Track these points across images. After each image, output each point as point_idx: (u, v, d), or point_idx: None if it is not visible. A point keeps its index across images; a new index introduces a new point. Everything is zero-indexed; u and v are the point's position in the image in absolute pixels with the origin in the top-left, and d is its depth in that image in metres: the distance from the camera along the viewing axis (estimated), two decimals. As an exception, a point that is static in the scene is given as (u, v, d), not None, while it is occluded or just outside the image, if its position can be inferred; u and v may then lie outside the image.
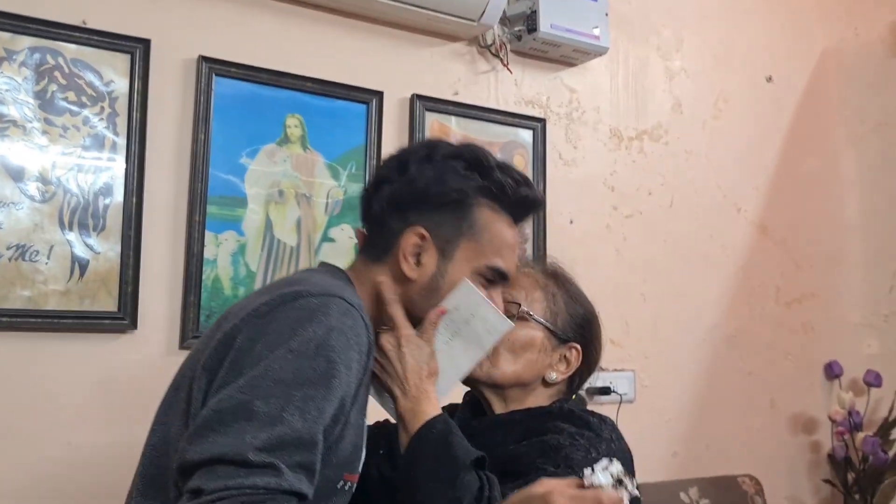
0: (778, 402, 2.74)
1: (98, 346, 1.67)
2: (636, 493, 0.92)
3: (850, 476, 2.65)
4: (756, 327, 2.70)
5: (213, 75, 1.81)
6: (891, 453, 2.59)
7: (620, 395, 2.29)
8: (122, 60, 1.72)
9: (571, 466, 1.03)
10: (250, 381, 0.86)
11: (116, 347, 1.69)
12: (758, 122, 2.78)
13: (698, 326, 2.58)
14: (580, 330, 1.25)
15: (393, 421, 1.11)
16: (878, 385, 2.70)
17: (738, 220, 2.70)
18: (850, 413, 2.65)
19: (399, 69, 2.09)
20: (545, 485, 0.90)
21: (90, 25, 1.69)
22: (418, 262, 1.07)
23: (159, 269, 1.74)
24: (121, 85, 1.72)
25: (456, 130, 2.13)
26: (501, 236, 1.11)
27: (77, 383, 1.65)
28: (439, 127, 2.12)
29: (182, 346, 1.74)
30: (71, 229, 1.65)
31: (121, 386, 1.68)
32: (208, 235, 1.79)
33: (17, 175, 1.61)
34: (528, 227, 2.24)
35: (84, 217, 1.66)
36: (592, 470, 0.92)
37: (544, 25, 2.15)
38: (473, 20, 2.06)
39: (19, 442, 1.59)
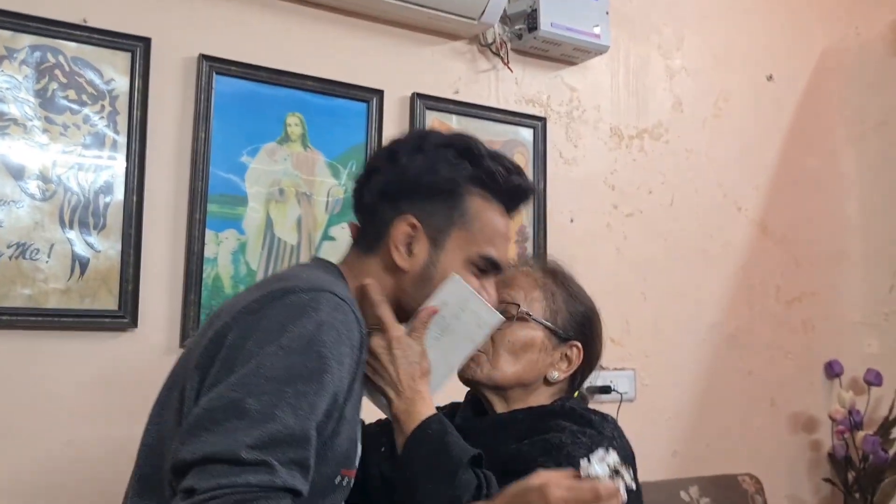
0: (778, 401, 2.74)
1: (98, 345, 1.67)
2: (633, 485, 0.92)
3: (851, 475, 2.65)
4: (756, 326, 2.70)
5: (214, 74, 1.81)
6: (891, 452, 2.59)
7: (621, 393, 2.29)
8: (123, 59, 1.72)
9: (573, 465, 1.03)
10: (241, 378, 0.86)
11: (117, 346, 1.69)
12: (758, 121, 2.78)
13: (699, 325, 2.58)
14: (581, 328, 1.25)
15: None
16: (879, 384, 2.69)
17: (738, 218, 2.70)
18: (850, 412, 2.65)
19: (399, 68, 2.09)
20: (541, 477, 0.90)
21: (91, 24, 1.69)
22: (410, 252, 1.06)
23: (160, 268, 1.74)
24: (121, 83, 1.71)
25: (457, 129, 2.13)
26: (493, 225, 1.10)
27: (77, 382, 1.65)
28: (440, 126, 2.11)
29: (182, 345, 1.74)
30: (71, 228, 1.65)
31: (121, 384, 1.68)
32: (209, 234, 1.79)
33: (17, 173, 1.61)
34: (528, 225, 2.24)
35: (84, 215, 1.66)
36: (589, 461, 0.91)
37: (545, 24, 2.15)
38: (474, 19, 2.06)
39: (19, 440, 1.59)
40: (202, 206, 1.78)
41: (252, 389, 0.84)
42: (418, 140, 1.12)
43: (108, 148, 1.70)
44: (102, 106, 1.70)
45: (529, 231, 2.25)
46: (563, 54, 2.30)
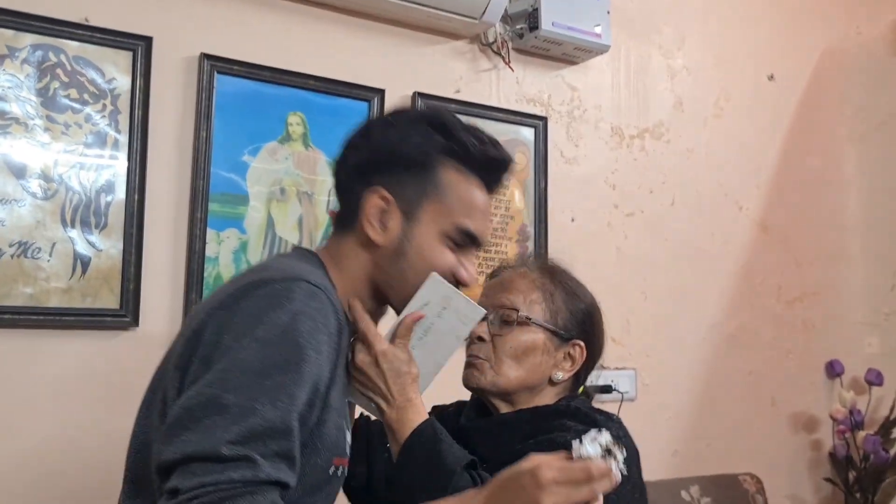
0: (779, 401, 2.74)
1: (100, 344, 1.68)
2: (624, 469, 0.91)
3: (852, 475, 2.65)
4: (757, 326, 2.70)
5: (215, 73, 1.81)
6: (892, 452, 2.59)
7: (622, 393, 2.29)
8: (125, 58, 1.72)
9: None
10: (218, 374, 0.85)
11: (118, 345, 1.69)
12: (759, 121, 2.78)
13: (699, 325, 2.58)
14: (582, 325, 1.24)
15: None
16: (880, 384, 2.70)
17: (739, 218, 2.70)
18: (851, 412, 2.65)
19: (401, 67, 2.09)
20: (533, 460, 0.89)
21: (92, 23, 1.70)
22: (384, 227, 1.05)
23: (161, 267, 1.74)
24: (123, 82, 1.72)
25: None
26: (469, 197, 1.07)
27: (79, 380, 1.65)
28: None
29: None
30: (73, 227, 1.65)
31: (122, 383, 1.67)
32: (210, 233, 1.79)
33: (19, 172, 1.61)
34: (529, 225, 2.24)
35: (86, 214, 1.66)
36: (581, 441, 0.90)
37: (546, 23, 2.15)
38: (475, 18, 2.06)
39: (21, 439, 1.59)
40: (203, 206, 1.78)
41: (230, 384, 0.83)
42: (391, 115, 1.12)
43: (110, 147, 1.70)
44: (104, 105, 1.70)
45: (530, 230, 2.25)
46: (565, 54, 2.30)
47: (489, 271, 1.35)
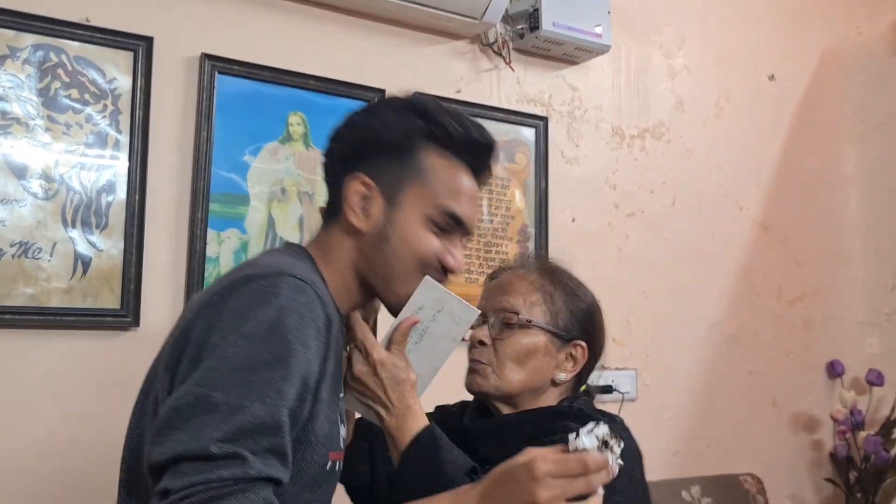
0: (780, 401, 2.74)
1: (100, 344, 1.68)
2: (621, 462, 0.90)
3: (852, 475, 2.65)
4: (758, 326, 2.70)
5: (216, 73, 1.81)
6: (893, 452, 2.59)
7: (622, 393, 2.29)
8: (125, 58, 1.72)
9: None
10: (206, 372, 0.84)
11: (119, 345, 1.69)
12: (760, 121, 2.78)
13: (700, 325, 2.58)
14: (583, 325, 1.24)
15: None
16: (880, 384, 2.70)
17: (739, 218, 2.70)
18: (851, 412, 2.65)
19: (401, 67, 2.09)
20: (528, 453, 0.89)
21: (93, 23, 1.70)
22: (366, 214, 1.04)
23: (162, 267, 1.74)
24: (123, 82, 1.72)
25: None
26: (453, 181, 1.05)
27: (79, 381, 1.65)
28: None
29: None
30: (74, 227, 1.65)
31: (123, 383, 1.66)
32: (211, 233, 1.79)
33: (20, 172, 1.61)
34: (530, 225, 2.24)
35: (87, 214, 1.66)
36: (577, 434, 0.88)
37: (546, 23, 2.15)
38: (476, 18, 2.06)
39: (21, 439, 1.59)
40: (204, 206, 1.78)
41: (217, 383, 0.83)
42: (374, 103, 1.12)
43: (111, 147, 1.70)
44: (105, 105, 1.70)
45: (531, 231, 2.25)
46: (565, 54, 2.30)
47: (489, 272, 1.35)
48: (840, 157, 2.96)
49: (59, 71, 1.66)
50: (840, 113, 2.95)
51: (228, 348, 0.85)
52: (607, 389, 2.27)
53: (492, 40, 2.22)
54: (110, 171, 1.70)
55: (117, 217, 1.69)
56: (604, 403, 2.22)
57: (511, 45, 2.24)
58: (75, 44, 1.67)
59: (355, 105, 1.97)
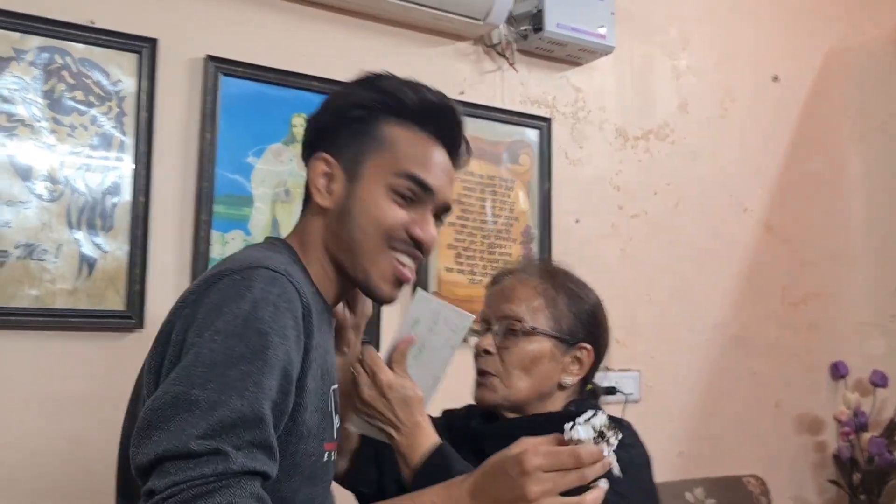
0: (783, 402, 2.73)
1: (105, 345, 1.68)
2: (614, 457, 0.87)
3: (856, 476, 2.64)
4: (762, 327, 2.70)
5: (220, 75, 1.81)
6: (896, 453, 2.59)
7: (626, 395, 2.29)
8: (130, 60, 1.72)
9: None
10: (183, 371, 0.84)
11: (123, 346, 1.69)
12: (764, 122, 2.77)
13: (704, 326, 2.58)
14: (587, 327, 1.23)
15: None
16: (884, 385, 2.69)
17: (743, 219, 2.70)
18: (855, 413, 2.64)
19: (405, 68, 2.04)
20: (521, 444, 0.87)
21: (98, 25, 1.70)
22: (330, 192, 1.03)
23: (166, 268, 1.75)
24: (128, 84, 1.72)
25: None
26: (416, 150, 1.03)
27: (84, 382, 1.65)
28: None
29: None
30: (79, 228, 1.65)
31: (127, 385, 1.67)
32: (215, 234, 1.79)
33: (25, 174, 1.61)
34: (533, 226, 2.24)
35: (92, 216, 1.67)
36: (573, 424, 0.85)
37: (550, 25, 2.15)
38: (479, 19, 2.06)
39: (26, 440, 1.59)
40: (208, 207, 1.78)
41: (195, 380, 0.82)
42: (336, 89, 1.11)
43: (116, 149, 1.71)
44: (110, 107, 1.70)
45: (535, 232, 2.25)
46: (569, 55, 2.30)
47: (492, 274, 1.35)
48: (844, 157, 2.95)
49: (64, 73, 1.66)
50: (844, 114, 2.95)
51: (204, 345, 0.84)
52: (611, 391, 2.27)
53: (495, 41, 2.22)
54: (115, 173, 1.70)
55: (122, 218, 1.69)
56: (607, 405, 2.23)
57: (515, 46, 2.24)
58: (80, 46, 1.68)
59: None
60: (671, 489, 2.23)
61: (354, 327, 1.19)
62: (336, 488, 1.11)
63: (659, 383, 2.45)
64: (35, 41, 1.64)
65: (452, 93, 2.13)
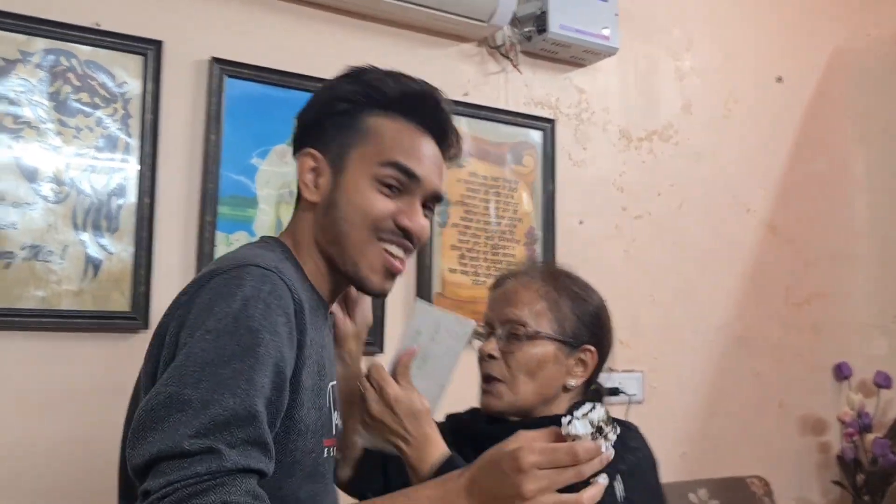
0: (787, 403, 2.73)
1: (110, 347, 1.69)
2: (612, 450, 0.85)
3: (860, 477, 2.64)
4: (765, 328, 2.70)
5: (225, 76, 1.82)
6: (900, 455, 2.59)
7: (629, 395, 2.29)
8: (135, 62, 1.73)
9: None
10: (175, 371, 0.83)
11: (129, 347, 1.69)
12: (767, 123, 2.77)
13: (707, 327, 2.58)
14: (590, 329, 1.23)
15: None
16: (888, 386, 2.69)
17: (747, 220, 2.70)
18: (859, 414, 2.64)
19: (409, 70, 2.05)
20: (517, 439, 0.86)
21: (103, 27, 1.71)
22: (317, 186, 1.03)
23: (171, 270, 1.75)
24: (133, 86, 1.73)
25: (466, 131, 2.13)
26: (402, 139, 1.03)
27: (89, 383, 1.66)
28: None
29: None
30: (84, 230, 1.66)
31: (132, 386, 1.68)
32: (219, 236, 1.80)
33: (31, 176, 1.62)
34: (537, 228, 2.25)
35: (97, 218, 1.67)
36: (571, 418, 0.84)
37: (554, 26, 2.16)
38: (483, 21, 2.06)
39: (31, 440, 1.60)
40: (213, 209, 1.79)
41: (188, 379, 0.81)
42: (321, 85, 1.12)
43: (121, 150, 1.71)
44: (115, 109, 1.71)
45: (538, 233, 2.25)
46: (573, 56, 2.31)
47: (496, 276, 1.35)
48: (847, 158, 2.95)
49: (70, 75, 1.67)
50: (847, 114, 2.95)
51: (196, 344, 0.84)
52: (614, 392, 2.28)
53: (499, 43, 2.22)
54: (120, 175, 1.71)
55: (127, 220, 1.70)
56: (611, 406, 2.23)
57: (518, 47, 2.24)
58: (86, 48, 1.69)
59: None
60: (675, 490, 2.23)
61: (355, 336, 1.19)
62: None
63: (662, 384, 2.45)
64: (41, 43, 1.64)
65: (456, 94, 2.15)
